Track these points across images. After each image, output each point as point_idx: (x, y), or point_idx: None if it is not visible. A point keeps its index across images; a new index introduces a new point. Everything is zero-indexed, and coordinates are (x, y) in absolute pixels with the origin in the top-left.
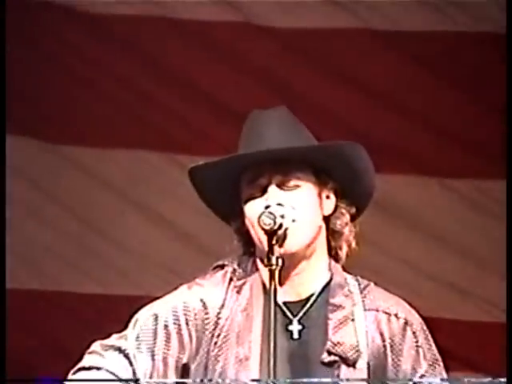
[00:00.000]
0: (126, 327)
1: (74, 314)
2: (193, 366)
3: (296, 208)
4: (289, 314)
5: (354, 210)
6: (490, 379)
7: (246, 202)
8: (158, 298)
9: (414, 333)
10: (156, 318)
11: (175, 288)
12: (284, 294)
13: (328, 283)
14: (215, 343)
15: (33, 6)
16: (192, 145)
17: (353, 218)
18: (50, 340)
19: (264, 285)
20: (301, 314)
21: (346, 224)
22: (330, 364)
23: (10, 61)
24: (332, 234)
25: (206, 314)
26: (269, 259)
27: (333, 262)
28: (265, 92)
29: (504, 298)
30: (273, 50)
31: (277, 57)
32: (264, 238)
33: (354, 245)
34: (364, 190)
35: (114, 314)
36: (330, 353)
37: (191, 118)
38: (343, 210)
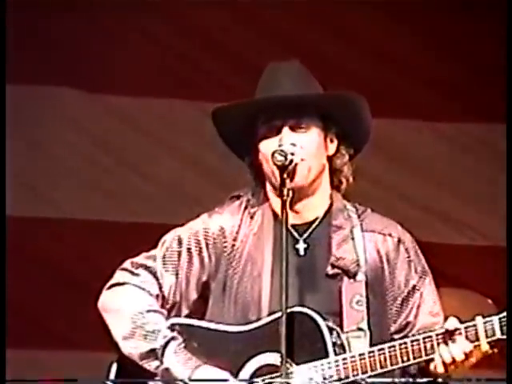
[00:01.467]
0: (155, 244)
1: (111, 240)
2: (213, 283)
3: (305, 148)
4: (296, 234)
5: (352, 151)
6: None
7: (261, 140)
8: (183, 224)
9: (406, 249)
10: (180, 241)
11: (197, 215)
12: (292, 218)
13: (329, 208)
14: (231, 262)
15: None
16: (215, 94)
17: (351, 158)
18: (87, 261)
19: (274, 212)
20: (306, 234)
21: (345, 163)
22: (334, 276)
23: (56, 24)
24: (334, 172)
25: (224, 237)
26: (281, 191)
27: (334, 192)
28: (283, 51)
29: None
30: (286, 14)
31: (290, 19)
32: (277, 173)
33: (351, 180)
34: (362, 135)
35: (144, 239)
36: (333, 266)
37: (218, 73)
38: (343, 151)
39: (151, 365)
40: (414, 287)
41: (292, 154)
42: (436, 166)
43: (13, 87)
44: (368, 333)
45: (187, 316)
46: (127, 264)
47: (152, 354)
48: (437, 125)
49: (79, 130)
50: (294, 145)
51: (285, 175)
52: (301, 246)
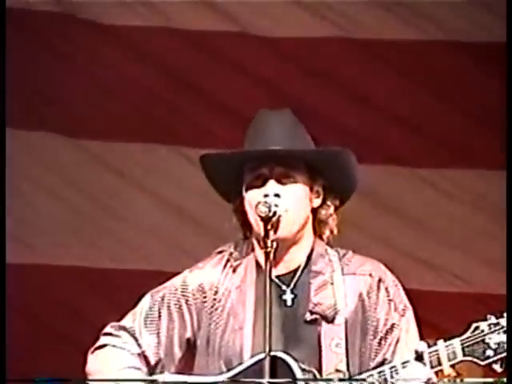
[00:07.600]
0: (136, 303)
1: (92, 287)
2: (198, 339)
3: (289, 200)
4: (282, 285)
5: (337, 203)
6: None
7: (247, 188)
8: (163, 272)
9: (386, 288)
10: (160, 300)
11: (179, 273)
12: (277, 269)
13: (310, 255)
14: (213, 317)
15: (58, 17)
16: (196, 139)
17: (336, 209)
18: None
19: (257, 263)
20: (292, 283)
21: (331, 215)
22: (312, 322)
23: (34, 65)
24: (318, 223)
25: (204, 293)
26: (265, 242)
27: (317, 240)
28: (258, 92)
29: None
30: (266, 57)
31: (270, 62)
32: (261, 224)
33: (335, 232)
34: (348, 187)
35: (125, 286)
36: (311, 312)
37: (195, 117)
38: (329, 203)
39: None
40: (393, 325)
41: (276, 206)
42: (422, 213)
43: None
44: (347, 374)
45: (174, 373)
46: (108, 328)
47: None
48: (422, 171)
49: (60, 175)
50: (278, 196)
51: (269, 227)
52: (288, 297)
